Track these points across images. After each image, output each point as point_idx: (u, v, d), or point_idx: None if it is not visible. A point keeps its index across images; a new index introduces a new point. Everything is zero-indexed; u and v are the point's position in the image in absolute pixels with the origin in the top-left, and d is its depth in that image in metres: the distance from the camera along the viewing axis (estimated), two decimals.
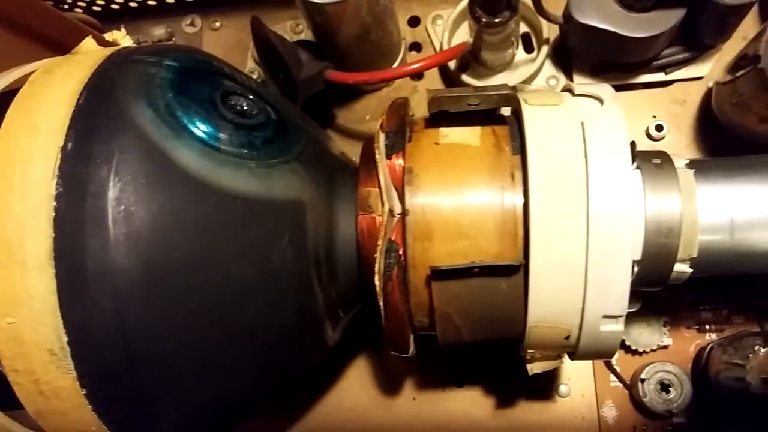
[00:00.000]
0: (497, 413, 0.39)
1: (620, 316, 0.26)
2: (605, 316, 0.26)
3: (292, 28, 0.43)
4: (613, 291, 0.26)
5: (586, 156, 0.26)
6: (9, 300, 0.23)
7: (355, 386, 0.40)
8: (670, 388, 0.37)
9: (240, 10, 0.44)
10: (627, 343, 0.38)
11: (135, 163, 0.23)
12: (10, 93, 0.26)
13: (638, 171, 0.28)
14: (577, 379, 0.39)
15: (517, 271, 0.26)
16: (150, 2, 0.43)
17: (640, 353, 0.38)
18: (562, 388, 0.39)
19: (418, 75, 0.41)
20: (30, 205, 0.23)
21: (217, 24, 0.45)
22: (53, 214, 0.22)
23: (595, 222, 0.25)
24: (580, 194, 0.25)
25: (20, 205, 0.23)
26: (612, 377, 0.39)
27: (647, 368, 0.37)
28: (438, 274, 0.26)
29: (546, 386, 0.39)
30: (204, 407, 0.26)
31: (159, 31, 0.44)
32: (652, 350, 0.38)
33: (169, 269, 0.23)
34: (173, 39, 0.44)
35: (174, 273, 0.23)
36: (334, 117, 0.42)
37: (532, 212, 0.25)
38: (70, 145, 0.23)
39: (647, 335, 0.38)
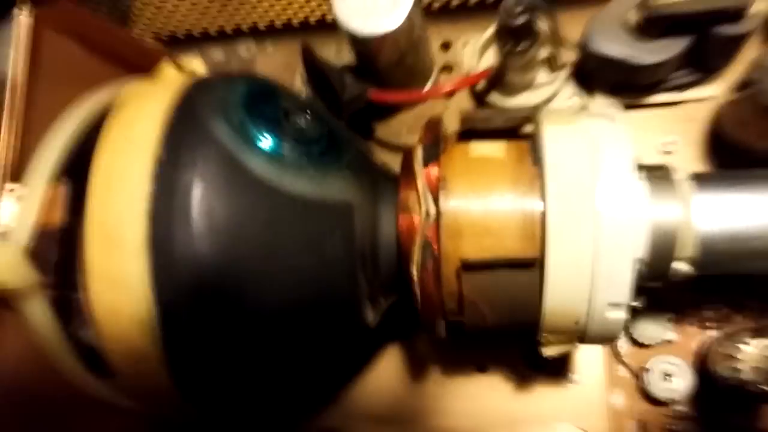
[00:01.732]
0: (515, 398, 0.43)
1: (623, 304, 0.30)
2: (610, 304, 0.30)
3: (336, 53, 0.47)
4: (617, 282, 0.30)
5: (595, 168, 0.30)
6: (110, 278, 0.27)
7: (387, 373, 0.44)
8: (672, 378, 0.41)
9: (289, 37, 0.49)
10: (635, 336, 0.42)
11: (215, 169, 0.28)
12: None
13: (642, 181, 0.32)
14: (589, 369, 0.43)
15: (535, 265, 0.30)
16: (211, 32, 0.48)
17: (647, 346, 0.42)
18: (575, 377, 0.43)
19: (450, 93, 0.46)
20: (128, 201, 0.27)
21: (269, 49, 0.50)
22: (148, 209, 0.27)
23: (601, 225, 0.29)
24: (589, 200, 0.29)
25: (120, 201, 0.27)
26: (621, 368, 0.43)
27: (651, 359, 0.41)
28: (468, 266, 0.30)
29: (560, 375, 0.43)
30: (268, 388, 0.31)
31: (218, 55, 0.49)
32: (658, 344, 0.42)
33: (242, 259, 0.28)
34: (230, 62, 0.49)
35: (246, 262, 0.28)
36: (374, 131, 0.46)
37: (549, 216, 0.30)
38: (163, 154, 0.28)
39: (653, 330, 0.42)
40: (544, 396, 0.43)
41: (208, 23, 0.49)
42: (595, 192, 0.30)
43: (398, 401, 0.44)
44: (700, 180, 0.33)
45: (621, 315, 0.31)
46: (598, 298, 0.30)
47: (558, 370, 0.43)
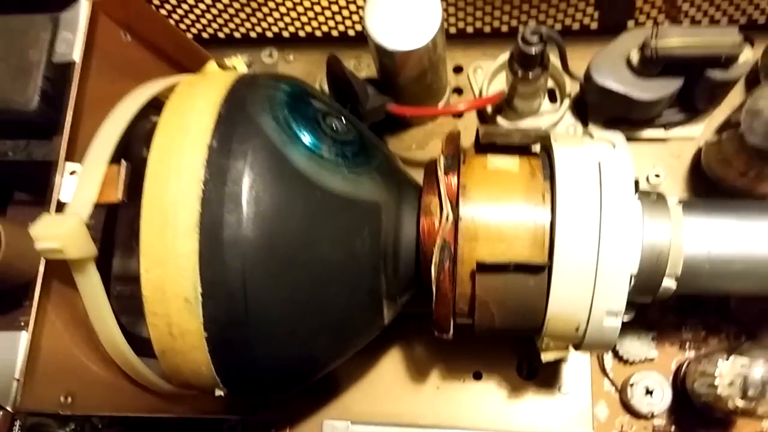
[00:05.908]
0: (508, 405, 0.45)
1: (619, 313, 0.33)
2: (608, 312, 0.33)
3: (354, 66, 0.50)
4: (615, 292, 0.33)
5: (600, 186, 0.33)
6: (160, 257, 0.29)
7: (388, 376, 0.47)
8: (653, 393, 0.44)
9: (310, 47, 0.52)
10: (620, 353, 0.45)
11: (263, 160, 0.30)
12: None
13: (639, 203, 0.36)
14: (576, 382, 0.46)
15: (543, 270, 0.33)
16: (236, 35, 0.51)
17: (631, 363, 0.45)
18: (564, 389, 0.45)
19: (459, 114, 0.49)
20: (183, 186, 0.29)
21: (291, 57, 0.52)
22: (201, 194, 0.29)
23: (605, 237, 0.32)
24: (594, 215, 0.33)
25: (176, 185, 0.29)
26: (606, 382, 0.46)
27: (635, 375, 0.44)
28: (482, 268, 0.33)
29: (550, 386, 0.46)
30: (289, 360, 0.33)
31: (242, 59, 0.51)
32: (641, 361, 0.45)
33: (283, 244, 0.30)
34: (252, 66, 0.52)
35: (287, 248, 0.30)
36: (386, 144, 0.49)
37: (558, 226, 0.33)
38: (214, 143, 0.30)
39: (637, 347, 0.45)
40: (534, 405, 0.45)
41: (234, 28, 0.51)
42: (599, 208, 0.33)
43: (398, 404, 0.46)
44: (690, 206, 0.37)
45: (617, 323, 0.34)
46: (597, 305, 0.33)
47: (548, 381, 0.46)
